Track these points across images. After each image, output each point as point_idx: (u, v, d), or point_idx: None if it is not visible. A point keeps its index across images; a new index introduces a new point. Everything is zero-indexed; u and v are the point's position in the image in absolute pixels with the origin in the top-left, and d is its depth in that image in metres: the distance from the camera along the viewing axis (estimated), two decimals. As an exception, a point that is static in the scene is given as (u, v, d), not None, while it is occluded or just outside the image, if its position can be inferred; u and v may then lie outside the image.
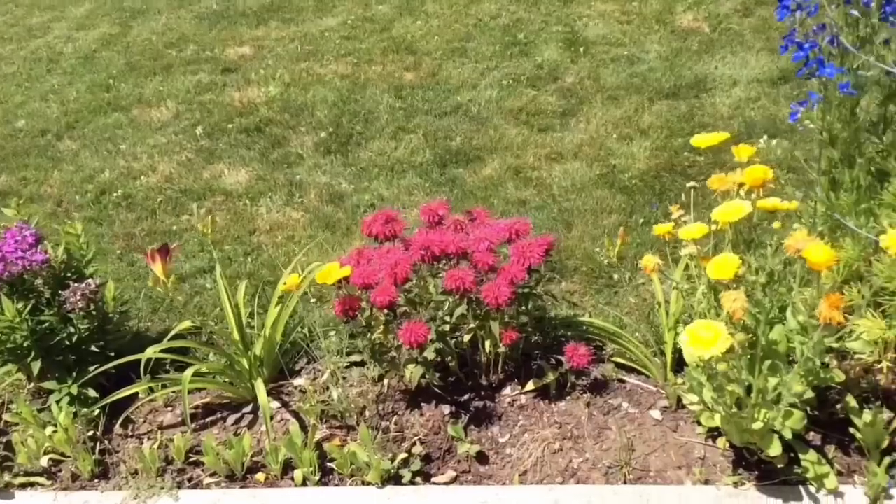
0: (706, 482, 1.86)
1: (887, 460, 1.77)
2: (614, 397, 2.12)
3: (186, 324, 2.24)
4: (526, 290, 2.05)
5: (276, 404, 2.20)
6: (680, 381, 2.05)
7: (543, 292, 2.17)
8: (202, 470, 2.06)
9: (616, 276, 2.60)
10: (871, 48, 1.61)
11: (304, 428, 2.09)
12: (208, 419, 2.22)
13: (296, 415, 2.16)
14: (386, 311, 1.98)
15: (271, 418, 2.14)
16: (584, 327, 2.28)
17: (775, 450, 1.69)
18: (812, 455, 1.79)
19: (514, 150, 3.41)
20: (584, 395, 2.13)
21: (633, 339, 2.18)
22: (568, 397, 2.13)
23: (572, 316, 2.37)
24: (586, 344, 2.20)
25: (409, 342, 1.89)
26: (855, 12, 1.48)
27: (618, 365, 2.20)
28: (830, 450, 1.87)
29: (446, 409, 2.11)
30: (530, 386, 2.13)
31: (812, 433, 1.91)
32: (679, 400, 2.04)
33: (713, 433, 1.95)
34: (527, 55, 4.19)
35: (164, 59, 4.71)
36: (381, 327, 2.02)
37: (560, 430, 2.04)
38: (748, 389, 1.71)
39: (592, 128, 3.52)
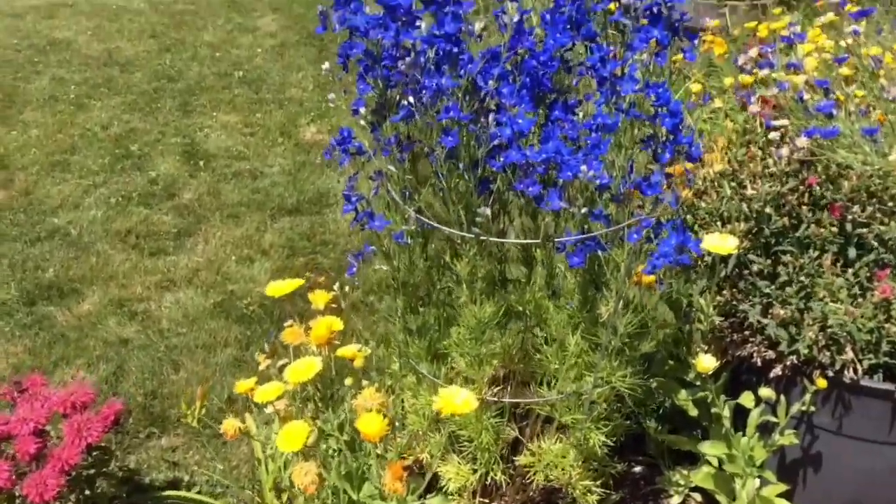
0: None
1: None
2: (212, 578, 1.87)
3: None
4: (91, 473, 1.73)
5: None
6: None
7: (121, 466, 1.87)
8: None
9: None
10: (428, 196, 1.61)
11: None
12: None
13: None
14: None
15: None
16: (177, 501, 2.01)
17: None
18: None
19: (119, 279, 3.07)
20: (177, 582, 1.85)
21: (232, 505, 1.96)
22: (158, 587, 1.83)
23: (170, 481, 2.09)
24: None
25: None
26: (392, 167, 1.47)
27: (220, 536, 1.96)
28: None
29: None
30: (107, 583, 1.80)
31: (420, 585, 1.82)
32: (282, 571, 1.85)
33: None
34: (140, 169, 3.88)
35: None
36: None
37: None
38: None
39: (211, 249, 3.30)
